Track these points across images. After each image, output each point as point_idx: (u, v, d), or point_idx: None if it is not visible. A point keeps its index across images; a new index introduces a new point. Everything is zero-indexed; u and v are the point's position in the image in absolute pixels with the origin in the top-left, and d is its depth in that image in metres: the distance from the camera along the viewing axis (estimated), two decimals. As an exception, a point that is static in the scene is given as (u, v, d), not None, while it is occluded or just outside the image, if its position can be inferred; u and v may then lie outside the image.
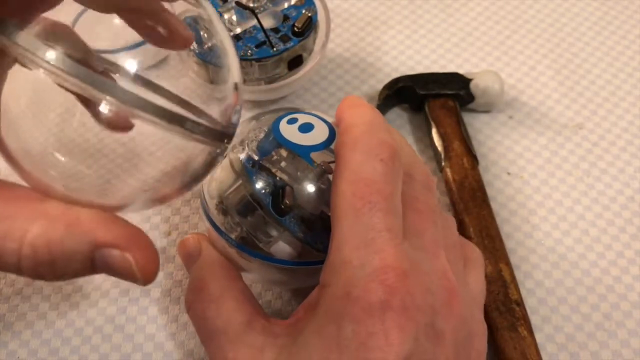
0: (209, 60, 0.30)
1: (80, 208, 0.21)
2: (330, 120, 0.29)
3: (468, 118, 0.43)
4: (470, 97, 0.42)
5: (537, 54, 0.47)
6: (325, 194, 0.27)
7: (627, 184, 0.40)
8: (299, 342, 0.23)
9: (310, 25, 0.40)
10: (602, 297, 0.35)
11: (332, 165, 0.26)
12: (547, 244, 0.37)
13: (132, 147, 0.24)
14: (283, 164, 0.27)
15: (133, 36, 0.24)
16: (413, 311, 0.22)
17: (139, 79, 0.22)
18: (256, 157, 0.28)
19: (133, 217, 0.22)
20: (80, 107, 0.22)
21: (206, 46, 0.27)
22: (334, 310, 0.23)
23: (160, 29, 0.24)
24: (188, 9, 0.25)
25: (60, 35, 0.22)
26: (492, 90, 0.42)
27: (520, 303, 0.33)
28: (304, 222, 0.27)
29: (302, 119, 0.28)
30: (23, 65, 0.20)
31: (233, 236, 0.28)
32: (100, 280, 0.35)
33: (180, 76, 0.28)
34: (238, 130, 0.30)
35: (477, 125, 0.43)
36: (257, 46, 0.39)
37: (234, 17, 0.40)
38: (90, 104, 0.21)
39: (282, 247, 0.27)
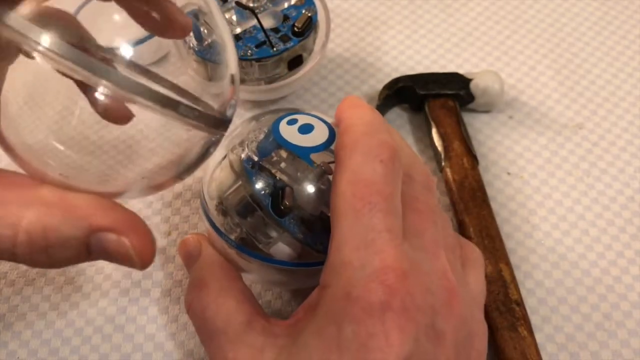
0: (208, 58, 0.30)
1: (76, 193, 0.21)
2: (330, 120, 0.29)
3: (468, 118, 0.43)
4: (470, 97, 0.42)
5: (537, 54, 0.47)
6: (325, 194, 0.27)
7: (627, 184, 0.40)
8: (299, 343, 0.23)
9: (310, 25, 0.40)
10: (602, 297, 0.35)
11: (332, 166, 0.26)
12: (547, 244, 0.37)
13: (130, 135, 0.24)
14: (283, 164, 0.27)
15: (132, 34, 0.24)
16: (413, 312, 0.22)
17: (135, 65, 0.22)
18: (256, 158, 0.28)
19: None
20: (78, 98, 0.21)
21: (205, 43, 0.27)
22: (334, 311, 0.23)
23: (158, 16, 0.24)
24: (189, 2, 0.25)
25: (56, 19, 0.22)
26: (492, 90, 0.42)
27: (520, 303, 0.33)
28: (304, 223, 0.27)
29: (302, 119, 0.28)
30: (19, 49, 0.19)
31: (233, 237, 0.28)
32: (100, 280, 0.35)
33: (180, 74, 0.28)
34: (238, 131, 0.30)
35: (477, 125, 0.43)
36: (257, 46, 0.39)
37: (234, 17, 0.40)
38: (89, 93, 0.21)
39: (281, 248, 0.27)
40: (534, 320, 0.34)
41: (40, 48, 0.18)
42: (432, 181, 0.28)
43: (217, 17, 0.24)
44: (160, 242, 0.37)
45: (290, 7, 0.41)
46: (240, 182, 0.28)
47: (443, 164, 0.39)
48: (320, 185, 0.27)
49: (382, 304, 0.22)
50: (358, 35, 0.48)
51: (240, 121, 0.31)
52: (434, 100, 0.42)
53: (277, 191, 0.27)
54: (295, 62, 0.40)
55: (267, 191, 0.27)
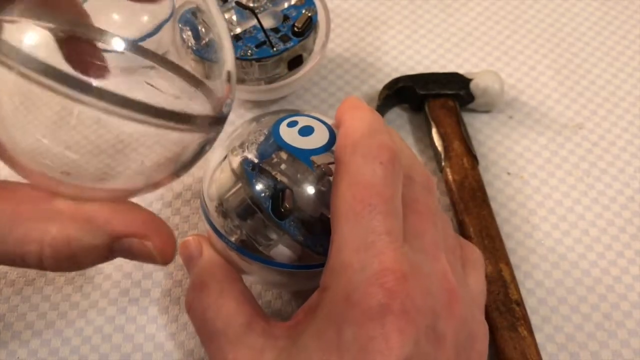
0: (205, 56, 0.30)
1: (91, 204, 0.22)
2: (330, 122, 0.29)
3: (468, 118, 0.43)
4: (470, 97, 0.42)
5: (537, 54, 0.47)
6: (326, 196, 0.27)
7: (627, 184, 0.40)
8: (299, 345, 0.23)
9: (310, 25, 0.40)
10: (602, 297, 0.35)
11: (332, 167, 0.26)
12: (547, 244, 0.37)
13: (128, 133, 0.24)
14: (283, 166, 0.27)
15: (131, 33, 0.24)
16: (413, 314, 0.22)
17: (130, 45, 0.22)
18: (256, 160, 0.28)
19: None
20: (71, 104, 0.21)
21: (203, 42, 0.27)
22: (334, 314, 0.23)
23: None
24: (188, 0, 0.25)
25: (45, 4, 0.22)
26: (492, 90, 0.42)
27: (520, 303, 0.33)
28: (304, 224, 0.27)
29: (303, 121, 0.28)
30: None
31: (233, 239, 0.28)
32: (100, 280, 0.35)
33: (174, 76, 0.27)
34: (238, 132, 0.30)
35: (477, 125, 0.43)
36: (257, 46, 0.39)
37: (234, 17, 0.40)
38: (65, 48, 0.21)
39: (281, 251, 0.27)
40: (534, 320, 0.34)
41: (15, 67, 0.18)
42: (432, 182, 0.28)
43: (215, 14, 0.24)
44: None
45: (290, 7, 0.41)
46: (240, 184, 0.28)
47: (443, 164, 0.39)
48: (320, 187, 0.27)
49: (381, 307, 0.22)
50: (358, 35, 0.48)
51: (241, 122, 0.31)
52: (434, 100, 0.42)
53: (277, 193, 0.27)
54: (295, 62, 0.40)
55: (267, 193, 0.27)
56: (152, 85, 0.23)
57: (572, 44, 0.48)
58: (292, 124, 0.28)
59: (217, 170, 0.29)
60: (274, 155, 0.28)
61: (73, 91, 0.19)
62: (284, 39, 0.39)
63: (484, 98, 0.42)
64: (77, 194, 0.22)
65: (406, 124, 0.43)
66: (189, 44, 0.36)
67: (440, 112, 0.41)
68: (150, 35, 0.26)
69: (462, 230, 0.37)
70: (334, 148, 0.27)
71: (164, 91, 0.23)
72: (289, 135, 0.28)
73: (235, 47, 0.39)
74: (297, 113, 0.29)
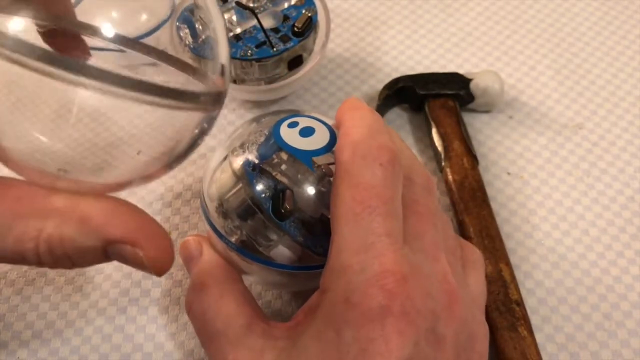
0: (203, 55, 0.30)
1: (88, 201, 0.22)
2: (330, 122, 0.29)
3: (468, 118, 0.43)
4: (470, 97, 0.42)
5: (537, 54, 0.47)
6: (326, 197, 0.27)
7: (627, 184, 0.40)
8: (299, 346, 0.23)
9: (310, 25, 0.40)
10: (602, 297, 0.35)
11: (333, 167, 0.26)
12: (547, 244, 0.37)
13: (120, 125, 0.24)
14: (283, 167, 0.27)
15: (129, 32, 0.24)
16: (413, 316, 0.22)
17: (117, 37, 0.21)
18: (257, 161, 0.28)
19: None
20: (66, 92, 0.21)
21: (200, 40, 0.27)
22: (333, 316, 0.23)
23: None
24: None
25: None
26: (492, 90, 0.42)
27: (520, 303, 0.33)
28: (304, 225, 0.27)
29: (303, 122, 0.28)
30: None
31: (233, 239, 0.28)
32: (100, 280, 0.35)
33: (175, 72, 0.27)
34: (238, 133, 0.30)
35: (477, 125, 0.43)
36: (257, 46, 0.39)
37: (234, 17, 0.40)
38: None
39: (282, 251, 0.27)
40: (534, 320, 0.34)
41: (5, 53, 0.18)
42: (432, 183, 0.28)
43: (212, 9, 0.24)
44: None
45: (290, 7, 0.41)
46: (240, 185, 0.28)
47: (443, 164, 0.39)
48: (320, 187, 0.27)
49: (381, 309, 0.22)
50: (358, 35, 0.48)
51: (241, 122, 0.31)
52: (434, 100, 0.42)
53: (278, 194, 0.27)
54: (295, 62, 0.40)
55: (268, 194, 0.27)
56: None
57: (572, 44, 0.48)
58: (292, 125, 0.28)
59: (217, 171, 0.29)
60: (274, 156, 0.27)
61: (80, 77, 0.19)
62: (284, 39, 0.39)
63: (484, 98, 0.42)
64: (72, 188, 0.22)
65: (406, 124, 0.43)
66: (187, 42, 0.36)
67: (440, 112, 0.41)
68: (147, 34, 0.26)
69: (462, 230, 0.37)
70: (334, 149, 0.27)
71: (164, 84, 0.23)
72: (289, 136, 0.28)
73: (235, 47, 0.39)
74: (297, 114, 0.29)
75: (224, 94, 0.24)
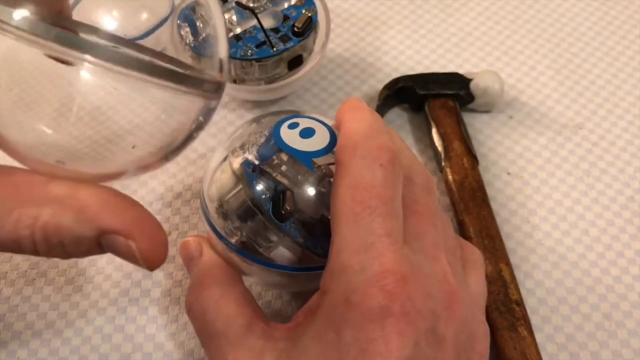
0: (203, 53, 0.30)
1: (86, 190, 0.22)
2: (331, 123, 0.29)
3: (468, 118, 0.43)
4: (470, 97, 0.42)
5: (537, 54, 0.47)
6: (326, 197, 0.27)
7: (627, 184, 0.40)
8: (299, 347, 0.23)
9: (310, 25, 0.40)
10: (602, 297, 0.35)
11: (333, 168, 0.26)
12: (547, 244, 0.37)
13: (122, 115, 0.24)
14: (284, 168, 0.27)
15: (129, 32, 0.24)
16: (413, 316, 0.22)
17: (119, 38, 0.21)
18: (257, 162, 0.28)
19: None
20: (69, 84, 0.21)
21: (201, 38, 0.26)
22: (334, 316, 0.23)
23: None
24: None
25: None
26: (492, 90, 0.42)
27: (520, 303, 0.33)
28: (304, 226, 0.27)
29: (303, 123, 0.28)
30: None
31: (233, 241, 0.28)
32: (100, 280, 0.35)
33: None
34: (238, 133, 0.30)
35: (477, 125, 0.43)
36: (257, 46, 0.39)
37: (234, 17, 0.40)
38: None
39: (282, 252, 0.27)
40: (534, 320, 0.34)
41: (9, 28, 0.18)
42: (432, 183, 0.28)
43: (212, 6, 0.24)
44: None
45: (290, 7, 0.41)
46: (240, 186, 0.28)
47: (443, 164, 0.39)
48: (320, 188, 0.27)
49: (381, 309, 0.22)
50: (358, 35, 0.48)
51: (241, 123, 0.31)
52: (434, 100, 0.42)
53: (278, 195, 0.27)
54: (295, 62, 0.40)
55: (268, 195, 0.27)
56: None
57: (572, 44, 0.48)
58: (293, 126, 0.28)
59: (217, 171, 0.29)
60: (274, 157, 0.27)
61: (90, 57, 0.19)
62: (284, 39, 0.39)
63: (484, 98, 0.42)
64: (70, 175, 0.22)
65: (406, 124, 0.43)
66: (187, 41, 0.36)
67: (440, 112, 0.41)
68: (147, 33, 0.26)
69: (462, 230, 0.37)
70: (334, 150, 0.27)
71: None
72: (290, 137, 0.27)
73: (235, 47, 0.39)
74: (298, 114, 0.29)
75: (223, 85, 0.24)
